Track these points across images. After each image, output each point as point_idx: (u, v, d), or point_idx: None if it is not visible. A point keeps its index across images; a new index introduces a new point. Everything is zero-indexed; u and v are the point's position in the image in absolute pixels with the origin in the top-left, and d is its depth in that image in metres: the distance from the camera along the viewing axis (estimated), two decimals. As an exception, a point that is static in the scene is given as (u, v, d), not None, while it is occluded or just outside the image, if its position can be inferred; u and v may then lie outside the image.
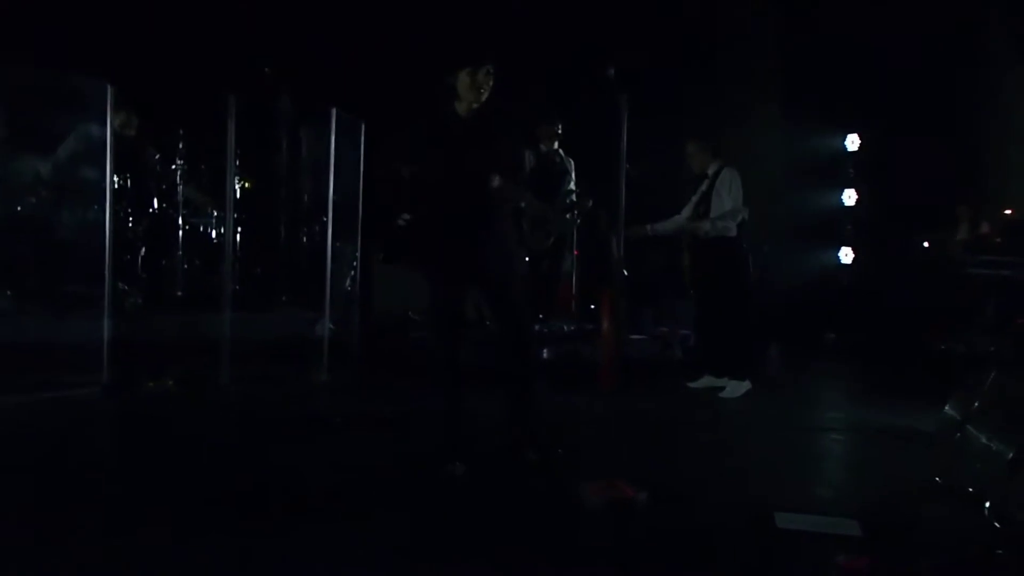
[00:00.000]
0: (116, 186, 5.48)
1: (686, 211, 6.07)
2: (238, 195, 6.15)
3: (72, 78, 5.50)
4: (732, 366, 5.82)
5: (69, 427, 4.29)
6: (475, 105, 3.72)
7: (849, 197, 9.74)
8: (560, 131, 6.89)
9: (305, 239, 8.71)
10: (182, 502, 3.17)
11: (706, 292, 6.00)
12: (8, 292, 5.33)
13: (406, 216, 3.66)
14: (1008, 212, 8.90)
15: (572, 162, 7.02)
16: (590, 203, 6.73)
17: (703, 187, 5.95)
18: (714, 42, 10.31)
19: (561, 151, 6.98)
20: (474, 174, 3.68)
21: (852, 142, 9.77)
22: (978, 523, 3.18)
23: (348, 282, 8.41)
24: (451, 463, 3.68)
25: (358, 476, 3.54)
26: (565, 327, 6.82)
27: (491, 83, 3.70)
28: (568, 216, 6.89)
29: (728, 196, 5.77)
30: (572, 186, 6.97)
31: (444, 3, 9.26)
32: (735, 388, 5.74)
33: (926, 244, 8.80)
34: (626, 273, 8.21)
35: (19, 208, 5.33)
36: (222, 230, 6.28)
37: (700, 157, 5.99)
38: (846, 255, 9.79)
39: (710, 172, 5.93)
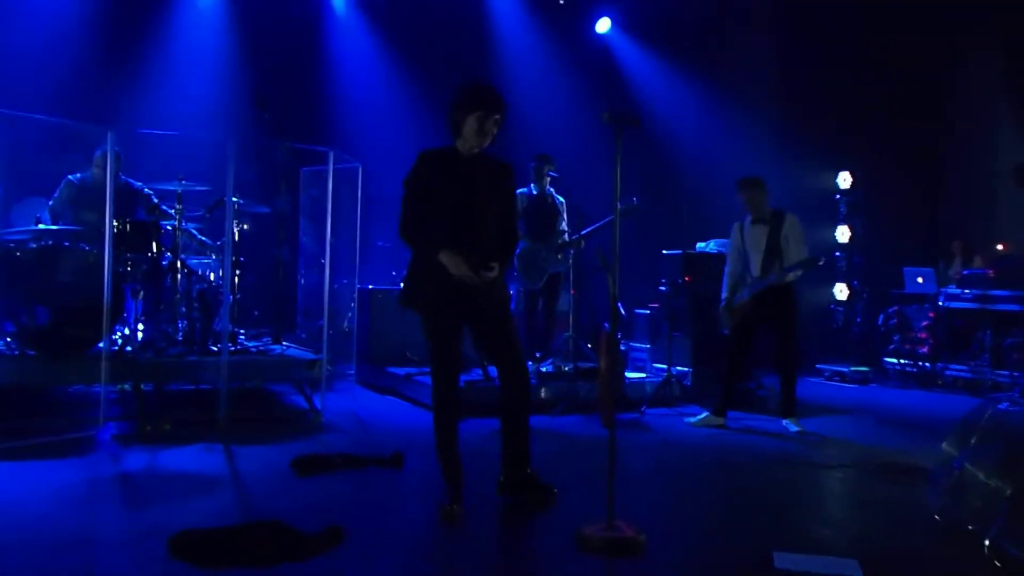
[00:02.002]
0: (116, 229, 5.52)
1: (755, 265, 5.91)
2: (237, 237, 6.19)
3: (74, 123, 5.58)
4: (790, 405, 5.89)
5: (66, 474, 4.27)
6: (476, 150, 3.80)
7: (843, 234, 9.82)
8: (553, 172, 6.97)
9: (303, 280, 8.76)
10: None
11: (771, 331, 5.95)
12: (8, 338, 5.33)
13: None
14: (1000, 247, 8.98)
15: (564, 202, 7.09)
16: (583, 243, 6.79)
17: (766, 233, 5.88)
18: (708, 81, 10.49)
19: (552, 190, 7.06)
20: (476, 214, 3.75)
21: (844, 179, 9.87)
22: (978, 561, 3.18)
23: (346, 323, 8.45)
24: (449, 504, 3.67)
25: (353, 518, 3.53)
26: (563, 365, 6.83)
27: (496, 132, 3.78)
28: (560, 256, 6.94)
29: (802, 243, 5.85)
30: (564, 226, 7.03)
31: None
32: (794, 424, 5.85)
33: (920, 280, 8.85)
34: (623, 312, 8.27)
35: (18, 254, 5.34)
36: (220, 272, 6.32)
37: (763, 200, 5.97)
38: (840, 291, 9.84)
39: (768, 216, 5.92)
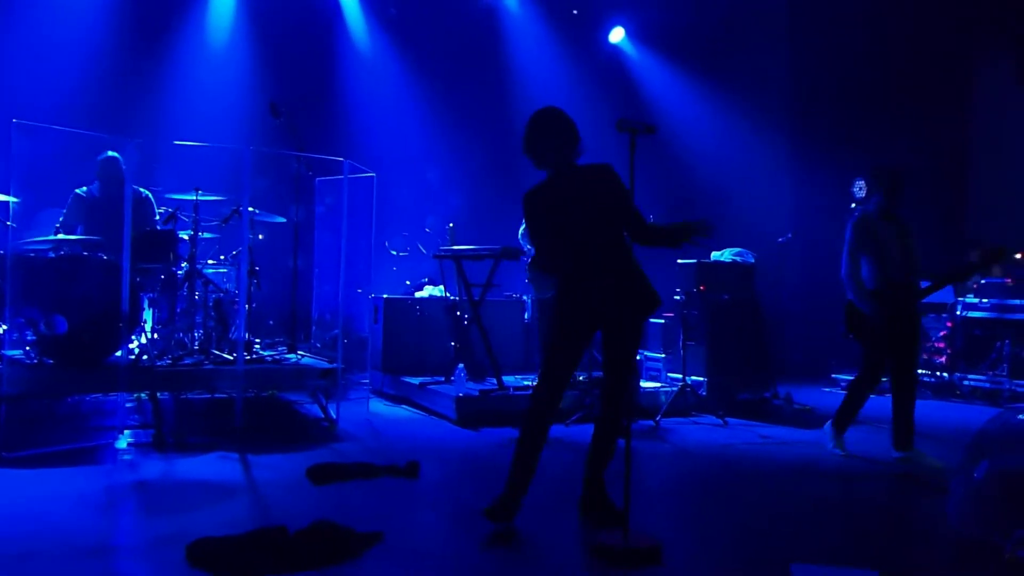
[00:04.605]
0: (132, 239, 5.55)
1: (888, 262, 5.29)
2: (252, 246, 6.22)
3: (94, 135, 5.64)
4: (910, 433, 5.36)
5: (84, 482, 4.30)
6: (563, 170, 3.85)
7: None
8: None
9: (318, 289, 8.78)
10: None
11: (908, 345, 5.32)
12: (27, 347, 5.37)
13: None
14: (1019, 256, 8.90)
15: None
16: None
17: (897, 229, 5.41)
18: (722, 90, 10.48)
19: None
20: (582, 230, 3.79)
21: (860, 188, 9.80)
22: (998, 573, 3.14)
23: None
24: (498, 512, 3.68)
25: (368, 527, 3.53)
26: (578, 375, 6.81)
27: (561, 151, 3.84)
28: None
29: None
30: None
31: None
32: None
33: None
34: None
35: (38, 263, 5.38)
36: (236, 281, 6.34)
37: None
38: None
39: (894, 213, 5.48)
